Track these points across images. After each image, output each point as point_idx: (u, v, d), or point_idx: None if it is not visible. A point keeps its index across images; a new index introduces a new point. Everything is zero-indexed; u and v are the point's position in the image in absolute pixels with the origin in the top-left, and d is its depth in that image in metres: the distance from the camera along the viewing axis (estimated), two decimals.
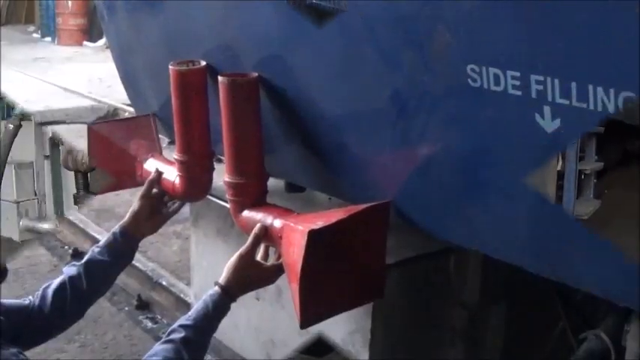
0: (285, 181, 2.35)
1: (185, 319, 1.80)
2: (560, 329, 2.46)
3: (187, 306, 2.88)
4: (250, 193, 1.98)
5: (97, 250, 2.18)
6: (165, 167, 2.32)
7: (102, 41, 8.13)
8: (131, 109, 3.25)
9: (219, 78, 1.92)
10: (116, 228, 2.23)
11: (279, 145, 2.00)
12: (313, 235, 1.65)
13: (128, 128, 2.50)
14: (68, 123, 5.50)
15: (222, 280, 1.87)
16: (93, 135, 2.49)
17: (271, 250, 1.94)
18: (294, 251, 1.72)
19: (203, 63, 2.12)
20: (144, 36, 2.40)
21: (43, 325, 1.93)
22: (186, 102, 2.12)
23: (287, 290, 1.84)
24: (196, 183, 2.23)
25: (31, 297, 1.94)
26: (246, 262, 1.88)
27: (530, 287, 2.31)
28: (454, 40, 1.41)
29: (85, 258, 2.16)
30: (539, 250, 1.51)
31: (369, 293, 1.87)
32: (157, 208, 2.31)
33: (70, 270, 2.03)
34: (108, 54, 3.25)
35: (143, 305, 3.55)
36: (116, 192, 2.60)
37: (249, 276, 1.89)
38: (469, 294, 2.14)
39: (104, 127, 2.63)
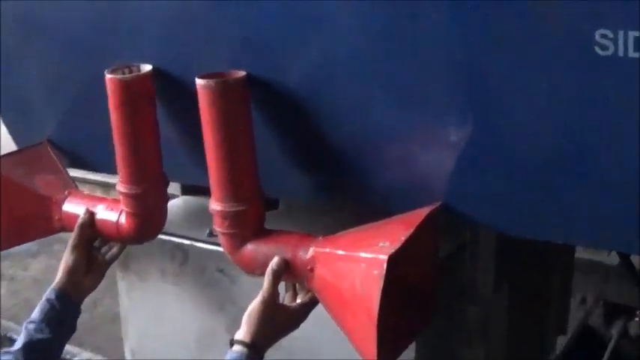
0: None
1: None
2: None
3: None
4: (252, 221, 1.58)
5: (32, 326, 1.69)
6: (97, 205, 1.84)
7: None
8: None
9: (200, 81, 1.49)
10: (49, 293, 1.75)
11: (272, 156, 1.62)
12: (391, 262, 1.32)
13: (26, 162, 1.95)
14: None
15: (243, 335, 1.48)
16: None
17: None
18: (358, 285, 1.37)
19: (147, 66, 1.67)
20: (39, 40, 1.87)
21: None
22: (133, 119, 1.65)
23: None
24: (151, 220, 1.77)
25: None
26: (270, 307, 1.50)
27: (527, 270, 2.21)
28: None
29: (21, 340, 1.67)
30: None
31: (425, 317, 1.57)
32: (93, 258, 1.84)
33: None
34: None
35: None
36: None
37: (276, 324, 1.51)
38: (483, 289, 1.92)
39: None
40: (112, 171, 1.85)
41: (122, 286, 2.11)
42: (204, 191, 2.14)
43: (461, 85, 1.33)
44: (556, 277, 2.57)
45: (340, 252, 1.44)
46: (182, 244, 1.95)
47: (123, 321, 2.14)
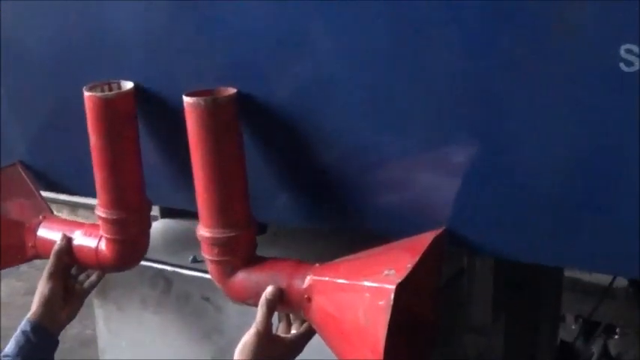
0: None
1: None
2: None
3: None
4: (243, 248, 1.48)
5: None
6: (74, 230, 1.73)
7: None
8: None
9: (188, 99, 1.40)
10: (25, 324, 1.65)
11: (262, 179, 1.52)
12: (398, 292, 1.23)
13: None
14: None
15: None
16: None
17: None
18: (362, 316, 1.28)
19: (128, 83, 1.57)
20: (10, 58, 1.75)
21: None
22: (114, 139, 1.55)
23: None
24: (134, 246, 1.66)
25: None
26: (265, 340, 1.40)
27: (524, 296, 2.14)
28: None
29: None
30: None
31: (427, 348, 1.49)
32: (70, 287, 1.73)
33: None
34: None
35: None
36: None
37: (271, 357, 1.41)
38: (482, 318, 1.84)
39: None
40: (90, 194, 1.74)
41: (100, 315, 1.99)
42: (185, 213, 2.05)
43: (469, 105, 1.25)
44: (546, 299, 2.51)
45: (341, 281, 1.34)
46: (164, 271, 1.84)
47: (100, 353, 2.02)
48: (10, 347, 1.59)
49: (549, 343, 2.62)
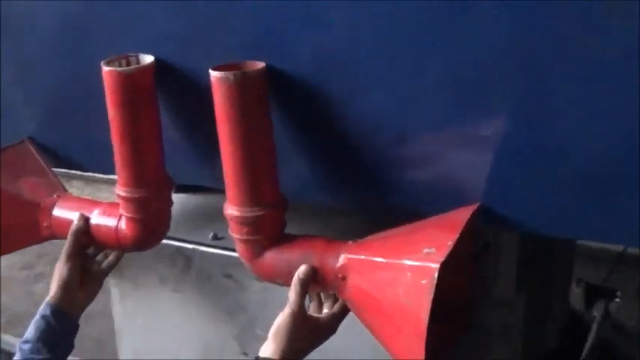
0: None
1: None
2: None
3: None
4: (272, 226, 1.44)
5: (27, 346, 1.55)
6: (91, 209, 1.68)
7: None
8: None
9: (216, 74, 1.34)
10: (45, 308, 1.60)
11: (290, 156, 1.48)
12: (441, 271, 1.20)
13: (6, 164, 1.76)
14: None
15: (272, 352, 1.34)
16: None
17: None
18: (402, 295, 1.25)
19: (148, 57, 1.51)
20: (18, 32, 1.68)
21: None
22: (135, 116, 1.49)
23: None
24: (155, 225, 1.62)
25: None
26: (300, 320, 1.37)
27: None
28: None
29: None
30: None
31: (464, 325, 1.46)
32: (88, 268, 1.69)
33: None
34: None
35: None
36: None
37: (307, 338, 1.38)
38: (506, 292, 1.82)
39: None
40: (106, 171, 1.69)
41: (115, 294, 1.95)
42: (199, 188, 2.01)
43: (512, 81, 1.21)
44: (558, 268, 2.50)
45: (379, 259, 1.31)
46: (184, 249, 1.80)
47: (117, 333, 1.98)
48: (30, 332, 1.54)
49: (561, 311, 2.62)
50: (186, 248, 1.79)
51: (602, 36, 1.10)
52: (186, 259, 1.80)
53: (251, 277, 1.71)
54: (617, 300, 3.17)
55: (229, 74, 1.33)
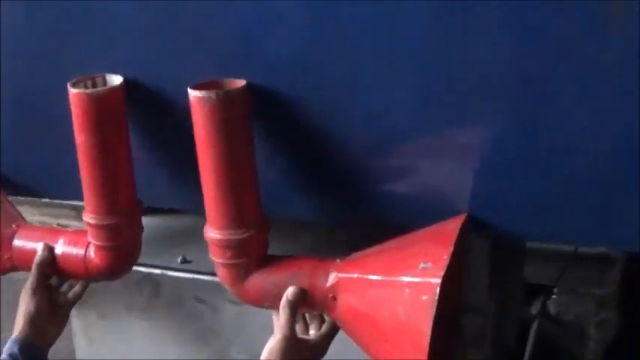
0: None
1: None
2: None
3: None
4: (257, 248, 1.39)
5: None
6: (56, 239, 1.59)
7: None
8: None
9: (196, 93, 1.29)
10: (12, 345, 1.52)
11: (274, 174, 1.44)
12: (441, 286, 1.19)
13: None
14: None
15: None
16: None
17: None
18: (402, 313, 1.23)
19: (117, 78, 1.44)
20: None
21: None
22: (104, 139, 1.42)
23: None
24: (126, 253, 1.54)
25: None
26: (292, 343, 1.33)
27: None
28: None
29: None
30: None
31: (456, 338, 1.46)
32: (54, 300, 1.61)
33: None
34: None
35: None
36: None
37: None
38: (479, 296, 1.83)
39: None
40: (69, 197, 1.62)
41: (77, 325, 1.86)
42: (163, 210, 1.94)
43: (504, 91, 1.21)
44: (514, 269, 2.54)
45: (373, 277, 1.29)
46: (151, 274, 1.74)
47: None
48: None
49: (517, 312, 2.66)
50: (154, 273, 1.73)
51: (600, 39, 1.10)
52: (155, 284, 1.74)
53: (224, 301, 1.67)
54: (554, 297, 3.26)
55: (211, 93, 1.28)
